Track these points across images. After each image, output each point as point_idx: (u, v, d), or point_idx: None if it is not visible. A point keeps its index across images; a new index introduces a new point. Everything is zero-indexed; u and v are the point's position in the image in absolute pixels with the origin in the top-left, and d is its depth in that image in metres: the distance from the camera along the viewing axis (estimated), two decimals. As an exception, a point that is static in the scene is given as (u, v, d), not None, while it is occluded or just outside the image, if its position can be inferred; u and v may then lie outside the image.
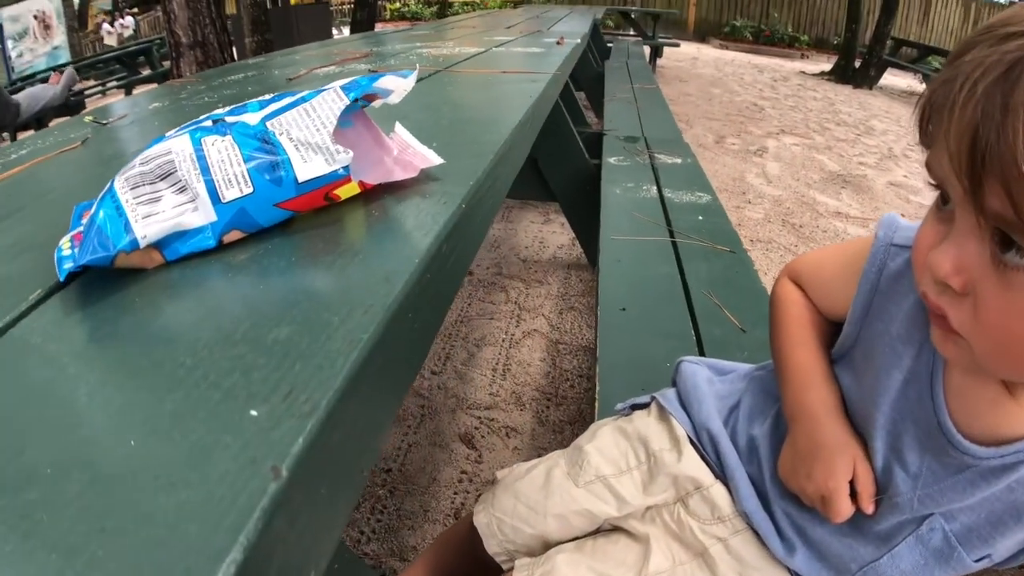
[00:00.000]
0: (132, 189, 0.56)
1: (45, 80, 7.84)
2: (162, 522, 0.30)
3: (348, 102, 0.63)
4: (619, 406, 0.96)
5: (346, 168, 0.61)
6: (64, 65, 8.74)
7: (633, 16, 10.97)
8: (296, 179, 0.59)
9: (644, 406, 0.92)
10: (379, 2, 13.54)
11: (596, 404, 1.14)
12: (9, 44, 11.85)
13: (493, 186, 0.82)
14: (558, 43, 2.44)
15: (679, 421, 0.85)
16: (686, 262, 1.71)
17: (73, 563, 0.28)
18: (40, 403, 0.41)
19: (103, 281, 0.54)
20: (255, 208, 0.58)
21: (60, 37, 12.75)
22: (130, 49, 11.06)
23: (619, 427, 0.90)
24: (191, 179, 0.57)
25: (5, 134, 6.71)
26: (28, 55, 12.36)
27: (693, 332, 1.38)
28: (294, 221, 0.62)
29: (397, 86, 0.69)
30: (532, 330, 2.57)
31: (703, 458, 0.81)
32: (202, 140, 0.59)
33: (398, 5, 18.46)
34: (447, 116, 1.18)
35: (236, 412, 0.37)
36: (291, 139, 0.60)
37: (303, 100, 0.63)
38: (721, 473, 0.80)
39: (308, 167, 0.59)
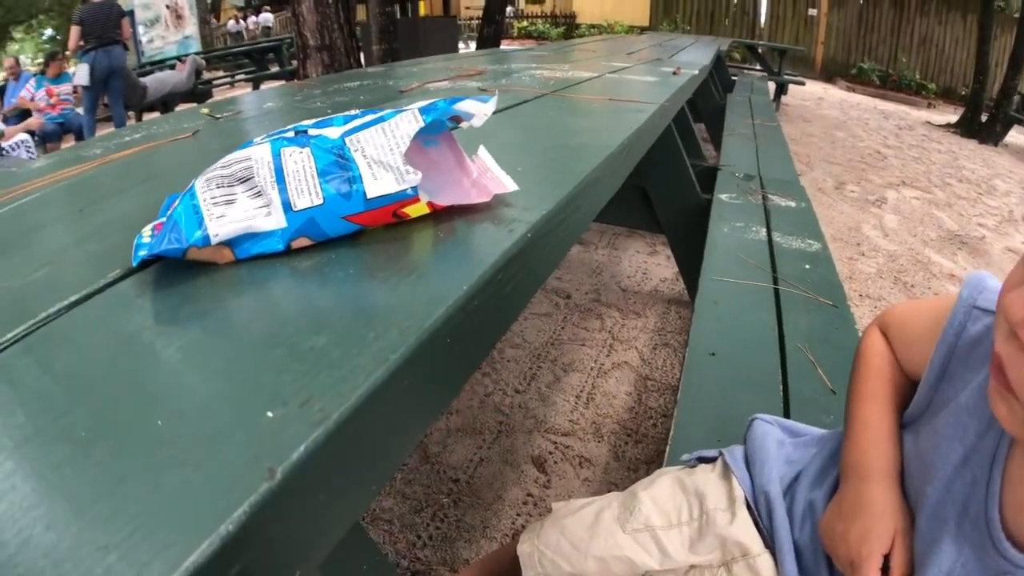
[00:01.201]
0: (211, 189, 0.60)
1: (173, 67, 8.49)
2: (165, 495, 0.33)
3: (423, 124, 0.65)
4: (685, 456, 0.94)
5: (414, 188, 0.63)
6: (195, 54, 9.41)
7: (760, 51, 10.72)
8: (365, 195, 0.61)
9: (711, 460, 0.89)
10: (507, 20, 13.82)
11: (668, 449, 1.11)
12: (140, 30, 12.91)
13: (570, 217, 0.81)
14: (674, 73, 2.42)
15: (740, 481, 0.81)
16: (786, 312, 1.65)
17: (82, 515, 0.32)
18: (92, 375, 0.44)
19: (177, 270, 0.58)
20: (324, 219, 0.60)
21: (191, 28, 13.83)
22: (259, 46, 11.80)
23: (679, 478, 0.87)
24: (267, 186, 0.60)
25: (131, 113, 7.28)
26: (159, 41, 13.47)
27: (781, 387, 1.31)
28: (363, 234, 0.65)
29: (478, 110, 0.70)
30: (622, 362, 2.53)
31: (757, 524, 0.78)
32: (281, 150, 0.62)
33: (526, 24, 18.81)
34: (541, 140, 1.18)
35: (256, 410, 0.38)
36: (365, 156, 0.62)
37: (383, 119, 0.66)
38: (772, 542, 0.76)
39: (378, 184, 0.61)
